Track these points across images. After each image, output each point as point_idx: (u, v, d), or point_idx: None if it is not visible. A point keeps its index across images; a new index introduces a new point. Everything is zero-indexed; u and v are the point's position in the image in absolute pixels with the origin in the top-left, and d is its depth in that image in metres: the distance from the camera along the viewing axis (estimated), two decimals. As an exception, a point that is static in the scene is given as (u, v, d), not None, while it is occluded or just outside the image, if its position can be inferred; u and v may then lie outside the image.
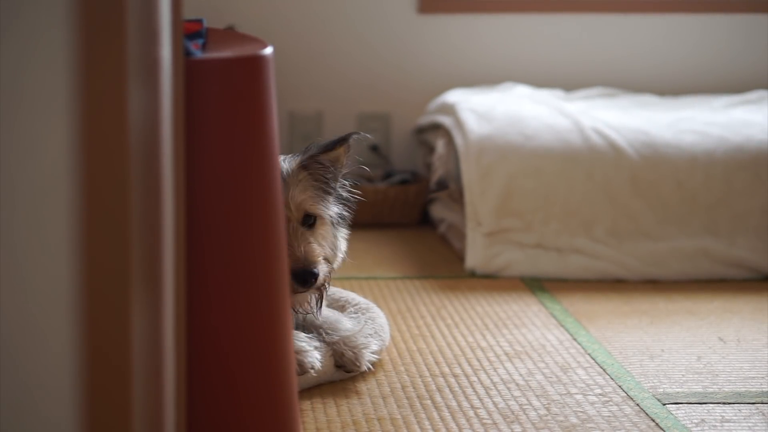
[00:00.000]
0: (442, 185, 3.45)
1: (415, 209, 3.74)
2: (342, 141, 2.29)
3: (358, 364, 2.23)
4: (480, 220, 3.13)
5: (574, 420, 2.05)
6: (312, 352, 2.15)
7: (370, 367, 2.27)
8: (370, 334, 2.33)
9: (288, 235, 2.24)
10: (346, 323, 2.30)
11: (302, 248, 2.22)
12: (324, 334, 2.27)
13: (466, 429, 2.01)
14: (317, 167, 2.30)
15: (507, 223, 3.12)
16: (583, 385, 2.23)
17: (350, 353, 2.22)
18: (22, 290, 0.99)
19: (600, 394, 2.18)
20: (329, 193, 2.32)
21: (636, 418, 2.06)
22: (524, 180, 3.13)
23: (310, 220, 2.30)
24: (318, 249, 2.25)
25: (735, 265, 3.10)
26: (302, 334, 2.21)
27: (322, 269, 2.24)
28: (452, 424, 2.03)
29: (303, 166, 2.28)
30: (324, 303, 2.31)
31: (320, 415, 2.07)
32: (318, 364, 2.15)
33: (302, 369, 2.12)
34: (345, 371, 2.24)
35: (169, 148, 1.34)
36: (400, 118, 3.99)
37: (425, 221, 3.77)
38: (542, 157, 3.15)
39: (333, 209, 2.30)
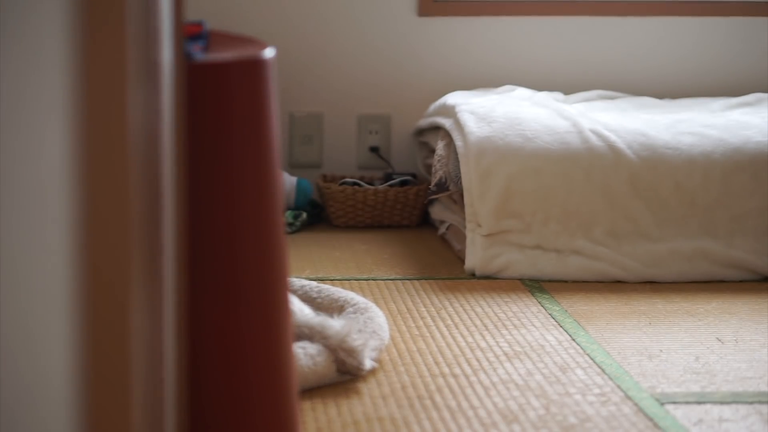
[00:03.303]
0: (441, 187, 3.46)
1: (415, 211, 3.74)
2: None
3: (361, 367, 2.23)
4: (480, 222, 3.14)
5: (572, 420, 2.06)
6: (301, 360, 2.16)
7: (374, 364, 2.27)
8: (360, 330, 2.32)
9: None
10: (333, 325, 2.28)
11: None
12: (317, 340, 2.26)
13: (466, 429, 2.02)
14: None
15: (506, 224, 3.12)
16: (581, 385, 2.24)
17: (351, 360, 2.22)
18: (21, 290, 1.00)
19: (599, 394, 2.19)
20: None
21: (634, 418, 2.07)
22: (524, 181, 3.13)
23: None
24: None
25: (733, 267, 3.10)
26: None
27: None
28: (452, 424, 2.04)
29: None
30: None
31: (320, 415, 2.08)
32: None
33: None
34: (351, 376, 2.23)
35: (169, 150, 1.35)
36: (401, 120, 4.00)
37: (425, 223, 3.77)
38: (542, 158, 3.15)
39: None
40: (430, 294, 2.92)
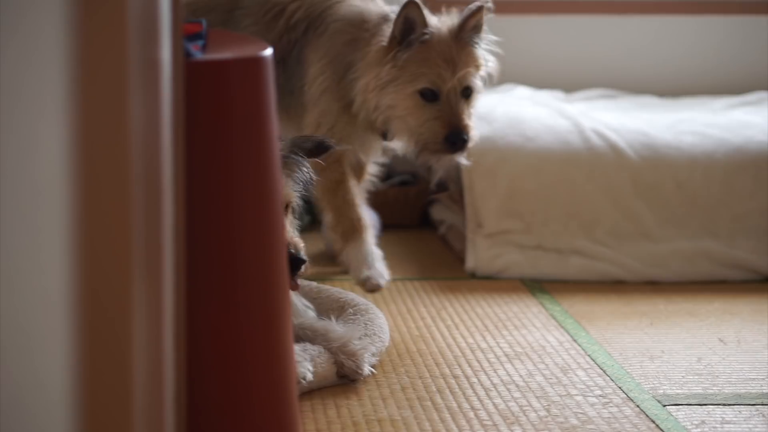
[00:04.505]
0: (441, 187, 3.45)
1: (416, 211, 3.74)
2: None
3: (360, 371, 2.22)
4: (480, 222, 3.13)
5: (574, 421, 2.05)
6: (303, 363, 2.14)
7: (373, 370, 2.26)
8: (366, 334, 2.32)
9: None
10: (336, 329, 2.28)
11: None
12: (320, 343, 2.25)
13: (467, 430, 2.01)
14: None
15: (507, 224, 3.12)
16: (583, 387, 2.23)
17: (350, 363, 2.21)
18: (22, 290, 0.99)
19: (600, 396, 2.19)
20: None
21: (636, 420, 2.07)
22: (524, 181, 3.13)
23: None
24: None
25: (735, 267, 3.10)
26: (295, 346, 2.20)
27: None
28: (452, 425, 2.03)
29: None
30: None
31: (320, 416, 2.07)
32: (309, 375, 2.13)
33: None
34: (349, 380, 2.23)
35: (169, 149, 1.34)
36: (401, 119, 3.99)
37: (426, 223, 3.77)
38: (542, 158, 3.15)
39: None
40: (431, 294, 2.92)
